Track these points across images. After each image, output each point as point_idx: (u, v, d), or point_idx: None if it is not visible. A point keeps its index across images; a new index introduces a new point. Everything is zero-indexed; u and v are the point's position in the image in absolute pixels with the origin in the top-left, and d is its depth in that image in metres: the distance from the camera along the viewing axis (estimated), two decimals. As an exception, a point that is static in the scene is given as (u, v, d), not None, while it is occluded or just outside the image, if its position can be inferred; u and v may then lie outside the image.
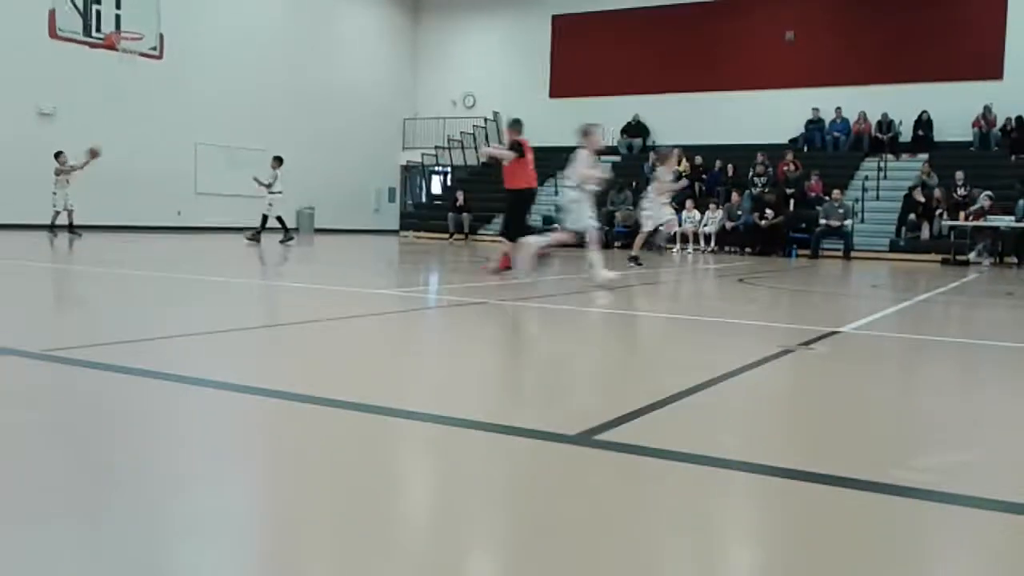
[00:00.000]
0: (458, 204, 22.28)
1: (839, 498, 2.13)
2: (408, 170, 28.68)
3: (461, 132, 27.09)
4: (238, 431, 2.68)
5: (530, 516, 2.00)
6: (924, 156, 20.35)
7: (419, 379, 3.66)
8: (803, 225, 18.39)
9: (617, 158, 24.32)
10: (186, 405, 2.95)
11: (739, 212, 18.93)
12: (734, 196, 19.45)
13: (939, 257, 16.61)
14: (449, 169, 28.13)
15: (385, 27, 27.67)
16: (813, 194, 19.13)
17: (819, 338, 4.99)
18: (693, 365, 4.15)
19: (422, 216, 24.70)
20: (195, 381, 3.29)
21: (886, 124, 21.81)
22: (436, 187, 29.29)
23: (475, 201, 22.61)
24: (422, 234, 22.70)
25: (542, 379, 3.85)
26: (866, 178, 20.43)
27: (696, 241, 19.21)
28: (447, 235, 21.65)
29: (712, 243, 19.09)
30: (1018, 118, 20.36)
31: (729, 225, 18.93)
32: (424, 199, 28.66)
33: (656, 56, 24.75)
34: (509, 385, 3.57)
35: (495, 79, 26.99)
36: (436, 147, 27.25)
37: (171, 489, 2.02)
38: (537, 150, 25.71)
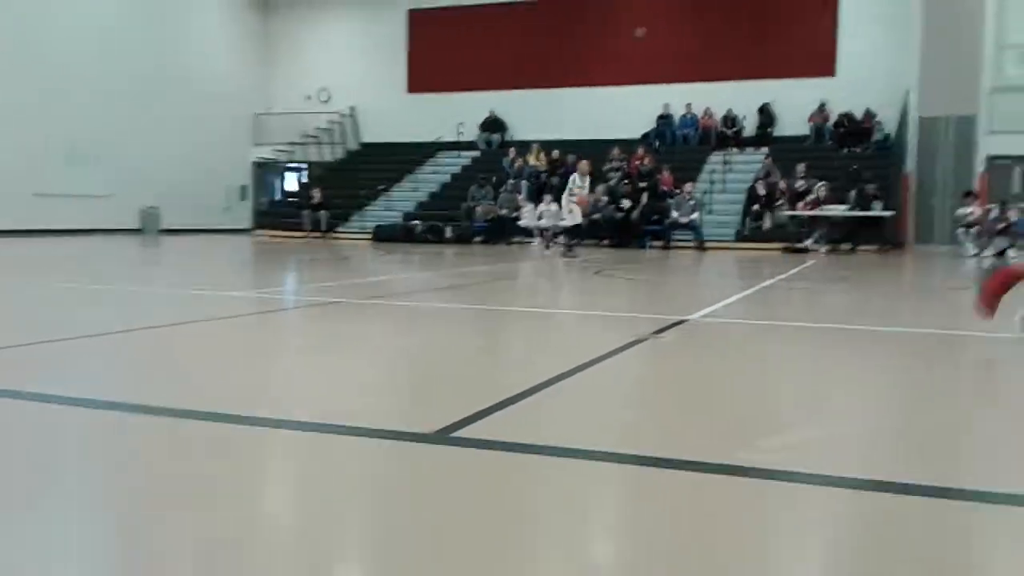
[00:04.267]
0: (314, 202, 21.76)
1: (689, 482, 2.19)
2: (261, 167, 27.80)
3: (317, 128, 26.50)
4: (70, 448, 2.48)
5: (387, 519, 1.95)
6: (765, 150, 21.45)
7: (271, 383, 3.53)
8: (656, 217, 19.01)
9: (476, 153, 24.42)
10: (3, 421, 2.72)
11: (600, 205, 19.36)
12: (598, 189, 19.87)
13: (781, 245, 17.53)
14: (305, 166, 27.46)
15: (234, 17, 26.68)
16: (665, 187, 19.81)
17: (670, 326, 5.14)
18: (548, 358, 4.19)
19: (276, 214, 23.97)
20: (15, 395, 3.04)
21: (731, 119, 22.85)
22: (291, 184, 28.52)
23: (332, 199, 22.17)
24: (277, 233, 22.03)
25: (398, 378, 3.79)
26: (713, 171, 21.33)
27: (554, 235, 19.53)
28: (303, 234, 21.11)
29: (570, 236, 19.43)
30: (848, 114, 21.76)
31: (592, 218, 19.32)
32: (278, 197, 27.85)
33: (512, 52, 24.98)
34: (365, 385, 3.49)
35: (352, 73, 26.53)
36: (291, 143, 26.54)
37: (-15, 517, 1.85)
38: (395, 146, 25.42)
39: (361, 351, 4.50)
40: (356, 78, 26.46)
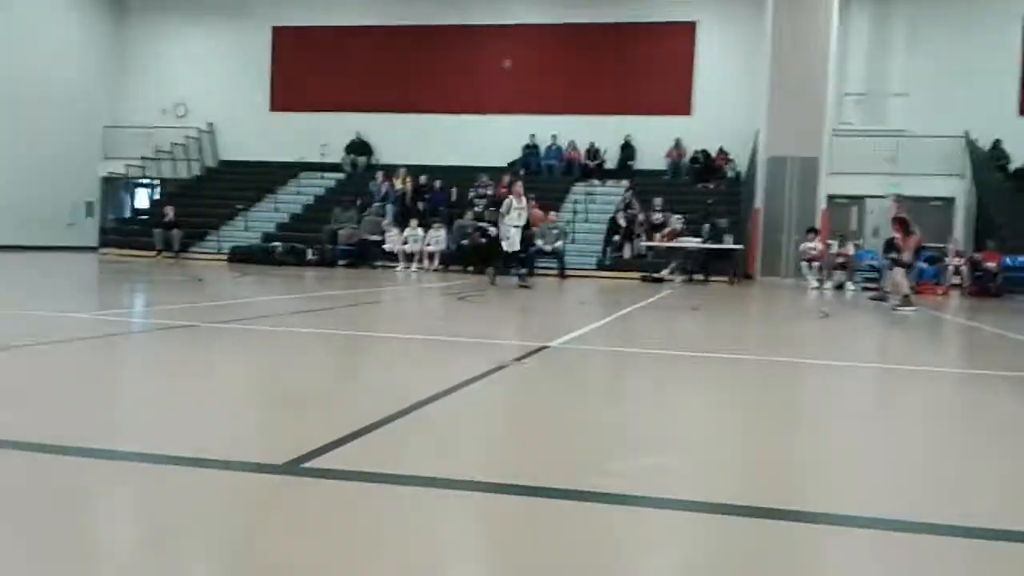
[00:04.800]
0: (167, 220, 20.80)
1: (540, 508, 2.18)
2: (110, 182, 26.40)
3: (172, 143, 25.43)
4: None
5: (234, 554, 1.83)
6: (626, 182, 22.14)
7: (110, 412, 3.30)
8: (522, 246, 19.21)
9: (341, 175, 24.07)
10: None
11: (467, 231, 19.42)
12: (466, 215, 19.91)
13: (639, 275, 18.08)
14: (158, 182, 26.27)
15: (84, 22, 25.33)
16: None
17: (531, 353, 5.17)
18: (407, 385, 4.12)
19: (125, 232, 22.74)
20: None
21: (594, 152, 23.50)
22: (143, 201, 27.18)
23: (186, 217, 21.27)
24: (125, 252, 20.90)
25: (248, 406, 3.63)
26: (576, 201, 21.84)
27: (420, 260, 19.45)
28: (154, 252, 20.13)
29: (436, 262, 19.40)
30: (704, 151, 22.79)
31: (456, 246, 19.34)
32: (128, 214, 26.46)
33: (381, 74, 24.83)
34: (212, 414, 3.32)
35: (211, 88, 25.64)
36: (143, 158, 25.34)
37: None
38: (255, 164, 24.64)
39: (210, 377, 4.29)
40: (216, 93, 25.59)
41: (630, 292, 13.39)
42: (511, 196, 13.37)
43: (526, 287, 12.63)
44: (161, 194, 25.89)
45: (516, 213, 13.27)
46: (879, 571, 1.91)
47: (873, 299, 11.32)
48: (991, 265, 16.82)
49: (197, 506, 2.16)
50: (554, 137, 23.77)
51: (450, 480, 2.39)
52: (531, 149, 23.94)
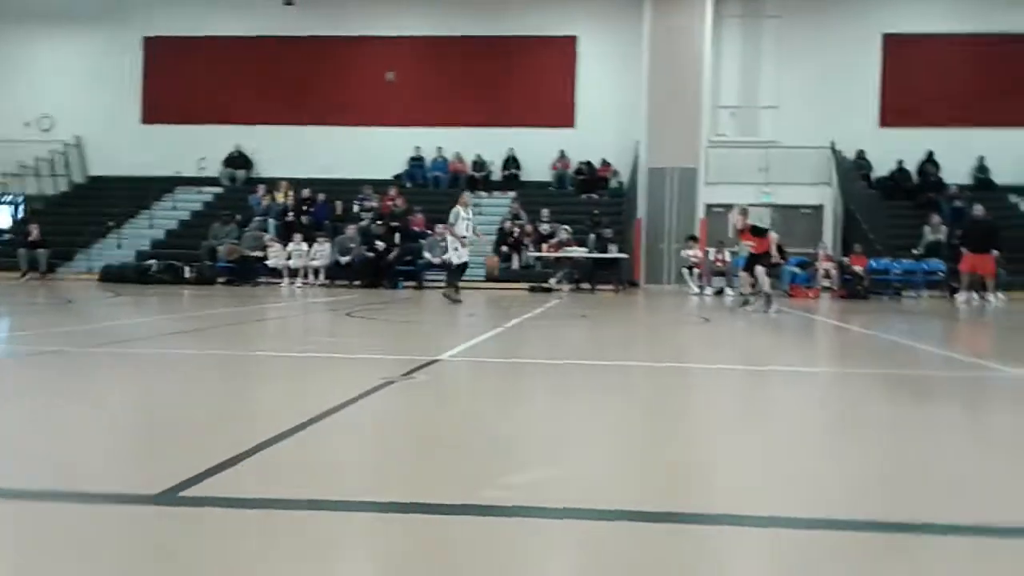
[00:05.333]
0: (32, 239, 19.64)
1: (432, 526, 2.11)
2: (-33, 200, 24.75)
3: (36, 158, 24.05)
4: None
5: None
6: (513, 194, 22.29)
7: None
8: (408, 258, 19.08)
9: (219, 189, 23.32)
10: None
11: (351, 245, 19.11)
12: (349, 229, 19.56)
13: (528, 285, 18.21)
14: (21, 199, 24.78)
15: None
16: (417, 229, 19.96)
17: (421, 367, 5.09)
18: (291, 405, 3.98)
19: (-14, 252, 21.37)
20: None
21: (480, 164, 23.57)
22: (5, 220, 25.55)
23: (53, 235, 20.15)
24: (-14, 272, 19.62)
25: (119, 434, 3.41)
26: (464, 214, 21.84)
27: (305, 275, 19.01)
28: (19, 274, 18.96)
29: (322, 277, 19.01)
30: (588, 162, 23.20)
31: (344, 259, 18.99)
32: (-12, 233, 24.82)
33: (259, 86, 24.20)
34: (80, 444, 3.10)
35: (79, 101, 24.38)
36: (4, 174, 23.86)
37: None
38: (127, 180, 23.62)
39: (79, 404, 4.02)
40: (84, 106, 24.36)
41: (520, 302, 13.45)
42: (458, 206, 12.94)
43: (459, 302, 12.32)
44: (25, 212, 24.42)
45: (464, 224, 12.83)
46: (773, 568, 1.93)
47: (741, 306, 11.74)
48: (858, 268, 17.73)
49: (62, 543, 1.99)
50: (439, 149, 23.71)
51: (336, 502, 2.30)
52: (417, 161, 23.82)
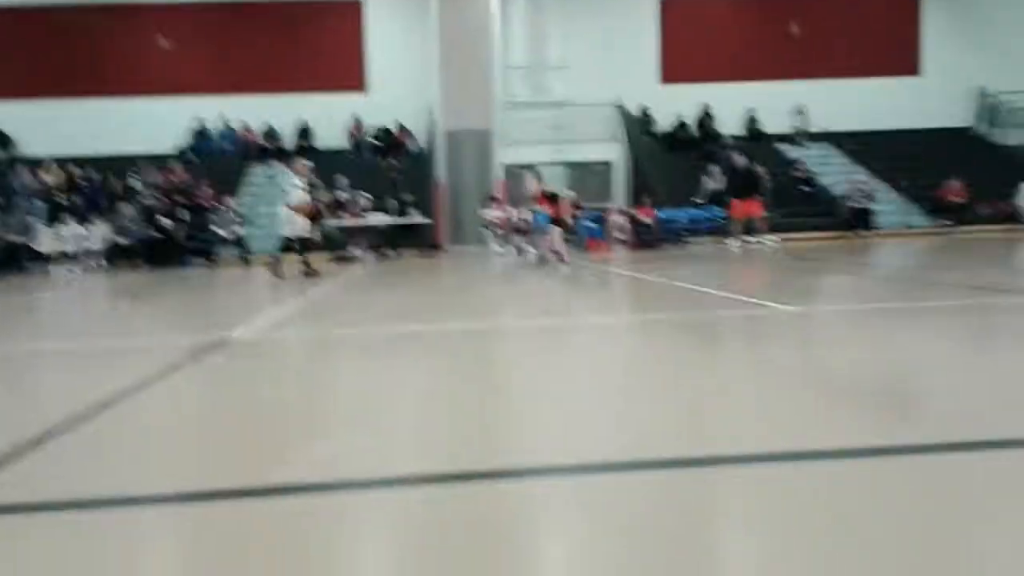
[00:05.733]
0: None
1: (219, 511, 1.93)
2: None
3: None
4: None
5: None
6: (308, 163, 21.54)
7: None
8: (198, 234, 18.06)
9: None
10: None
11: (131, 225, 17.82)
12: (127, 208, 18.21)
13: (330, 255, 17.74)
14: None
15: None
16: (205, 203, 18.91)
17: (211, 346, 4.77)
18: (71, 397, 3.59)
19: None
20: None
21: (270, 133, 22.60)
22: None
23: None
24: None
25: None
26: (255, 185, 20.91)
27: (82, 259, 17.57)
28: None
29: (101, 260, 17.63)
30: (384, 128, 22.82)
31: (123, 240, 17.68)
32: None
33: (20, 60, 21.94)
34: None
35: None
36: None
37: None
38: None
39: None
40: None
41: (322, 273, 13.05)
42: (287, 174, 11.79)
43: (316, 275, 11.48)
44: None
45: (295, 193, 11.64)
46: (582, 513, 1.91)
47: (548, 264, 11.99)
48: (647, 220, 18.61)
49: None
50: (225, 120, 22.54)
51: (113, 499, 2.06)
52: (201, 133, 22.52)
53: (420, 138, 22.75)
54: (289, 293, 9.66)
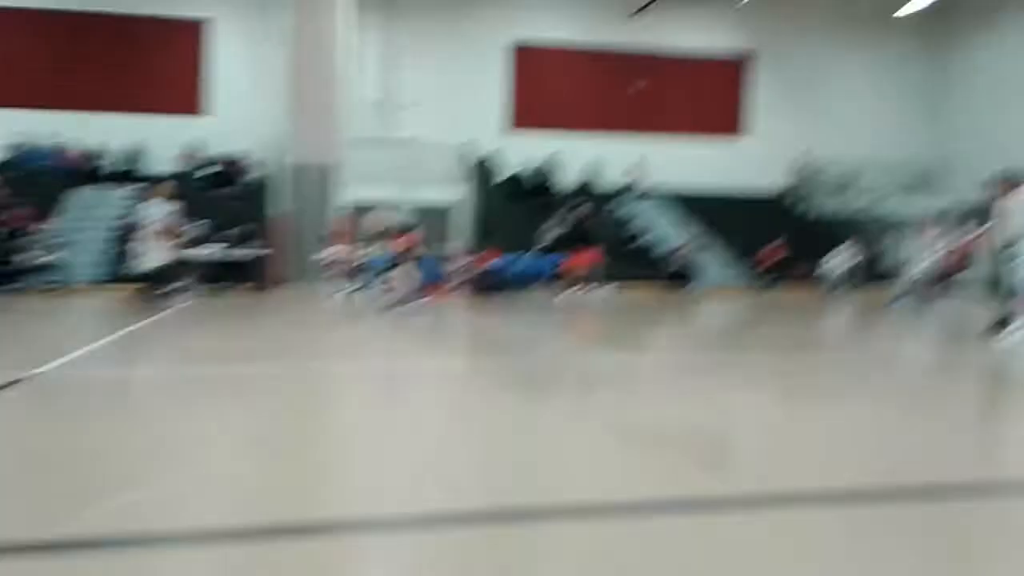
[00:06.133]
0: None
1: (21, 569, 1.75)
2: None
3: None
4: None
5: None
6: (137, 186, 20.51)
7: None
8: (8, 259, 16.73)
9: None
10: None
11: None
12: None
13: (155, 287, 16.88)
14: None
15: None
16: (18, 226, 17.55)
17: (6, 385, 4.39)
18: None
19: None
20: None
21: (99, 153, 21.36)
22: None
23: None
24: None
25: None
26: (77, 208, 19.66)
27: None
28: None
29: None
30: (225, 154, 22.06)
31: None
32: None
33: None
34: None
35: None
36: None
37: None
38: None
39: None
40: None
41: (146, 305, 12.36)
42: (151, 201, 10.66)
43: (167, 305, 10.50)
44: None
45: (159, 220, 10.58)
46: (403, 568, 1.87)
47: (387, 307, 11.72)
48: (489, 265, 18.83)
49: None
50: (47, 136, 21.14)
51: None
52: (21, 149, 21.01)
53: (263, 168, 22.15)
54: (109, 326, 9.09)
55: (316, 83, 21.16)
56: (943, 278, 13.68)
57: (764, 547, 2.06)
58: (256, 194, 21.49)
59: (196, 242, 17.85)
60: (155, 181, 20.74)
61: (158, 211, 10.76)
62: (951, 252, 13.57)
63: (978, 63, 24.73)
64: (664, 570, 1.89)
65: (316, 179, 21.41)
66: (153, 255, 10.85)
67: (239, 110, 22.27)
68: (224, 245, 18.02)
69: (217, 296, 16.13)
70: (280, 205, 21.11)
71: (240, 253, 18.04)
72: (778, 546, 2.07)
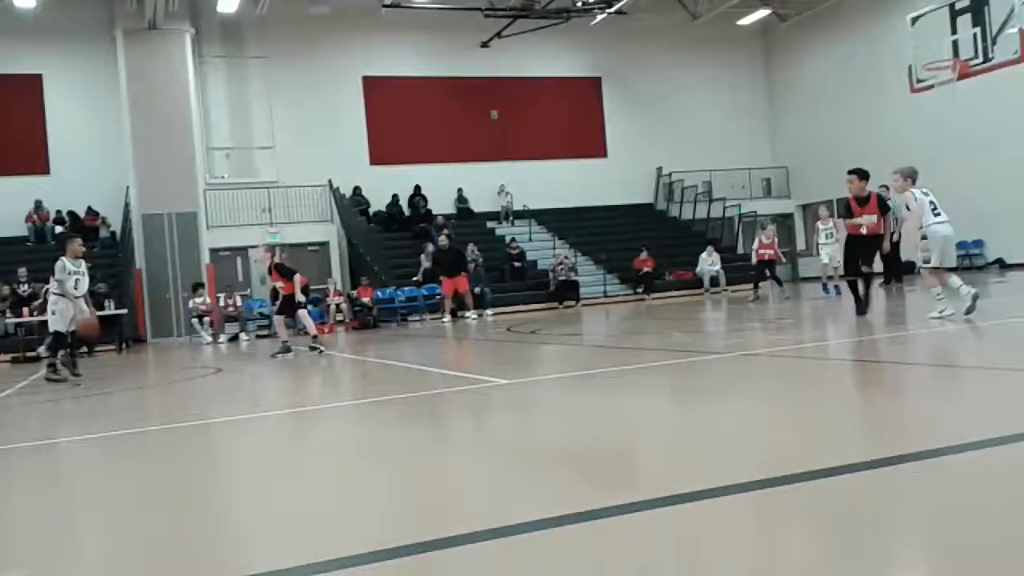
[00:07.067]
0: None
1: None
2: None
3: None
4: None
5: None
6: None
7: None
8: None
9: None
10: None
11: None
12: None
13: (9, 356, 15.77)
14: None
15: None
16: None
17: None
18: None
19: None
20: None
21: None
22: None
23: None
24: None
25: None
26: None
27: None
28: None
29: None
30: (71, 212, 20.88)
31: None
32: None
33: None
34: None
35: None
36: None
37: None
38: None
39: None
40: None
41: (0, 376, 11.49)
42: (64, 258, 9.29)
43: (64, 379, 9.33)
44: None
45: (74, 280, 9.42)
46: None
47: (276, 354, 10.95)
48: (366, 300, 18.52)
49: None
50: None
51: None
52: None
53: (113, 222, 21.08)
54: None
55: (161, 131, 20.34)
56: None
57: (672, 544, 2.03)
58: (111, 249, 20.45)
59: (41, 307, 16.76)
60: (3, 244, 19.57)
61: (76, 270, 9.60)
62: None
63: (803, 77, 26.46)
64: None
65: (173, 228, 20.53)
66: (81, 315, 9.61)
67: (81, 165, 21.11)
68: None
69: (79, 358, 15.14)
70: (136, 258, 20.14)
71: (99, 312, 16.94)
72: (681, 540, 2.04)
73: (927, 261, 8.16)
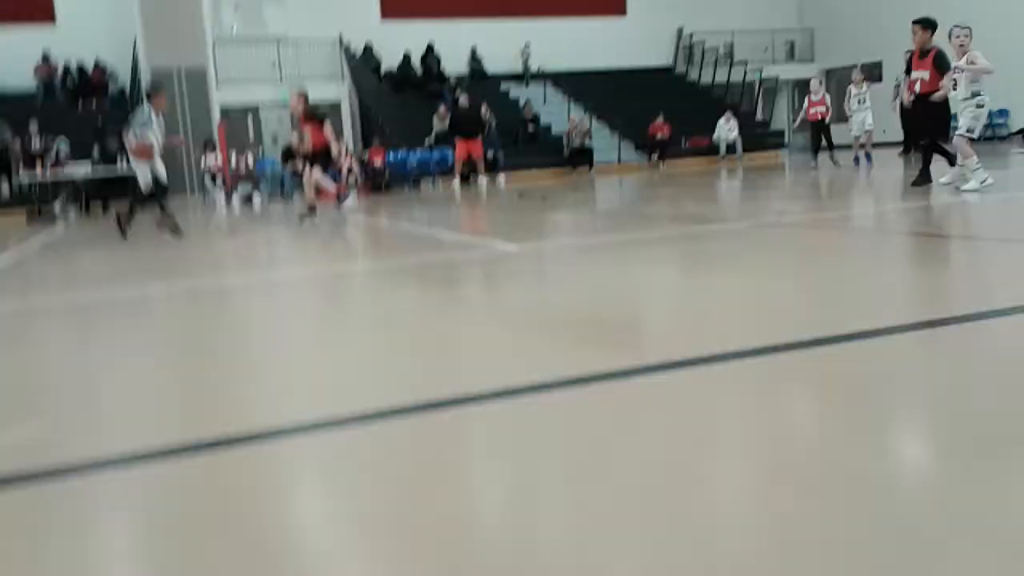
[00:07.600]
0: None
1: None
2: None
3: None
4: None
5: None
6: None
7: None
8: None
9: None
10: None
11: None
12: None
13: (24, 212, 15.88)
14: None
15: None
16: None
17: None
18: None
19: None
20: None
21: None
22: None
23: None
24: None
25: None
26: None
27: None
28: None
29: None
30: (79, 66, 20.50)
31: None
32: None
33: None
34: None
35: None
36: None
37: None
38: None
39: None
40: None
41: (14, 234, 11.62)
42: (149, 106, 8.83)
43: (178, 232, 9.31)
44: None
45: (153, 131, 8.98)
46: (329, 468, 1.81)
47: (303, 217, 10.51)
48: (378, 162, 18.37)
49: None
50: None
51: None
52: None
53: (121, 77, 20.72)
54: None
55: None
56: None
57: (670, 405, 2.12)
58: (121, 105, 20.20)
59: (63, 161, 16.76)
60: (11, 100, 19.33)
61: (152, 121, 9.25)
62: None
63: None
64: (582, 433, 1.91)
65: (183, 84, 20.23)
66: (159, 169, 9.37)
67: (87, 16, 20.58)
68: (94, 163, 16.93)
69: (93, 217, 15.27)
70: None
71: (112, 170, 16.95)
72: (682, 402, 2.13)
73: (971, 130, 7.76)
